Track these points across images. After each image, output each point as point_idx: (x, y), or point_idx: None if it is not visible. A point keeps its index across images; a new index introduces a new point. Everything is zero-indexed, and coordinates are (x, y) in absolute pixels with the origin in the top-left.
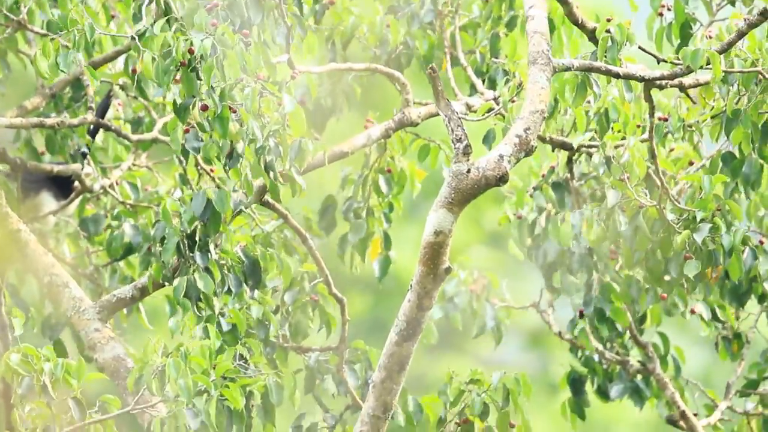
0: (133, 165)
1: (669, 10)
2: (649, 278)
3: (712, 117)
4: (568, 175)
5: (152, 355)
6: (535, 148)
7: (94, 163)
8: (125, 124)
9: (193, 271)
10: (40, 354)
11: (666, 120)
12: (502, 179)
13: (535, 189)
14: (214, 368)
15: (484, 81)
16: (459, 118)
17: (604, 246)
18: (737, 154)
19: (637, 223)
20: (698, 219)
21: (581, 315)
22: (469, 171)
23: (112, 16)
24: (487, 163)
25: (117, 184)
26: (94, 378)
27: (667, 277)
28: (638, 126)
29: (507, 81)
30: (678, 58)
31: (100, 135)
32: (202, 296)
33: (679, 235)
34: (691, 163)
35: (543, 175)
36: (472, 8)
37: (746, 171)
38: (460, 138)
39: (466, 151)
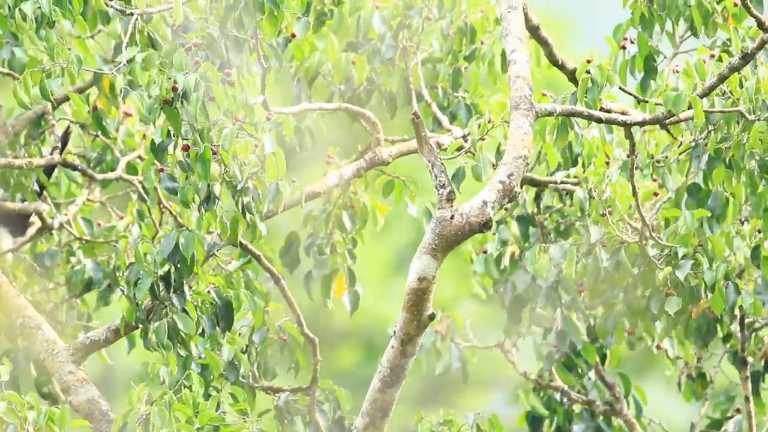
0: (87, 201)
1: (632, 42)
2: (626, 313)
3: (681, 153)
4: (535, 210)
5: (136, 402)
6: (519, 194)
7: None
8: (82, 161)
9: (170, 312)
10: (24, 401)
11: (633, 154)
12: (486, 225)
13: (499, 223)
14: (197, 416)
15: (450, 115)
16: (442, 164)
17: (570, 282)
18: (703, 187)
19: (619, 258)
20: (680, 255)
21: (556, 349)
22: (452, 217)
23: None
24: (470, 210)
25: (72, 220)
26: (78, 425)
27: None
28: (606, 162)
29: (477, 118)
30: (658, 101)
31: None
32: (180, 338)
33: (660, 270)
34: (655, 194)
35: (506, 209)
36: (432, 43)
37: (711, 204)
38: (444, 184)
39: (450, 197)
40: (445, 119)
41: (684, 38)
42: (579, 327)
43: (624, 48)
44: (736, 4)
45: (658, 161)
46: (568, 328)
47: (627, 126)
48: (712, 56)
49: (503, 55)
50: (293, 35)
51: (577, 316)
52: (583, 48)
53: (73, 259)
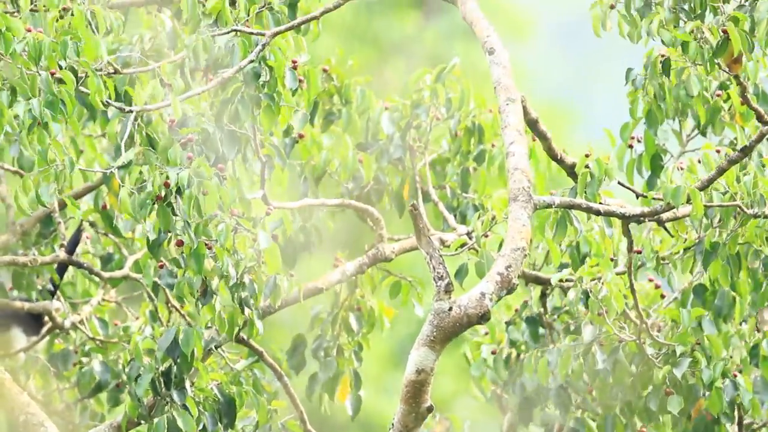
0: (103, 300)
1: (639, 141)
2: (626, 413)
3: (685, 249)
4: (542, 310)
5: None
6: (517, 285)
7: (63, 299)
8: (95, 260)
9: (171, 409)
10: None
11: (639, 252)
12: (483, 317)
13: (508, 324)
14: None
15: (455, 216)
16: (440, 256)
17: (580, 381)
18: (708, 287)
19: (617, 357)
20: (678, 353)
21: None
22: (450, 309)
23: (81, 151)
24: (468, 301)
25: (87, 320)
26: None
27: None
28: (612, 259)
29: (480, 215)
30: (657, 194)
31: (69, 270)
32: None
33: (659, 369)
34: (663, 296)
35: (516, 310)
36: (441, 143)
37: (718, 303)
38: (442, 276)
39: (448, 289)
40: (451, 218)
41: (691, 136)
42: (592, 426)
43: (631, 147)
44: (743, 103)
45: (663, 259)
46: (580, 428)
47: (625, 219)
48: (718, 152)
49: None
50: (301, 135)
51: (589, 416)
52: (584, 137)
53: (84, 360)
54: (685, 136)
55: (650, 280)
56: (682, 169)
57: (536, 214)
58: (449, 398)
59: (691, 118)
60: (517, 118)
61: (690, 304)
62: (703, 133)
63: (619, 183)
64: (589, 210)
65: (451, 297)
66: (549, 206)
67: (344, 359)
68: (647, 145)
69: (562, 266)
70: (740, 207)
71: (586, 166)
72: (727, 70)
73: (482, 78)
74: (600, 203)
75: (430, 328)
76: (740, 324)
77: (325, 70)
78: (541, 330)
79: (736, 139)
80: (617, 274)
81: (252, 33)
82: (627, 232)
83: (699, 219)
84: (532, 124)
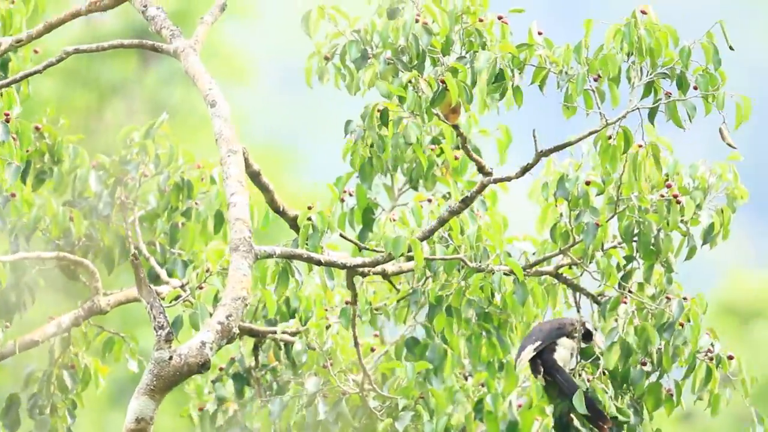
0: None
1: (351, 195)
2: None
3: (398, 300)
4: (252, 364)
5: None
6: (237, 334)
7: None
8: None
9: None
10: None
11: (353, 303)
12: (204, 366)
13: (214, 381)
14: None
15: (165, 271)
16: (161, 306)
17: None
18: (421, 340)
19: (339, 409)
20: (400, 407)
21: None
22: (171, 358)
23: None
24: (189, 350)
25: None
26: None
27: None
28: (325, 310)
29: (195, 267)
30: (378, 246)
31: None
32: None
33: (381, 422)
34: (372, 350)
35: (221, 369)
36: (149, 199)
37: (430, 356)
38: (163, 325)
39: (168, 338)
40: (163, 273)
41: (403, 190)
42: None
43: (342, 201)
44: (456, 158)
45: (377, 309)
46: None
47: (347, 269)
48: (429, 201)
49: (217, 215)
50: (13, 194)
51: None
52: (309, 188)
53: None
54: (397, 190)
55: (375, 335)
56: (394, 221)
57: (258, 265)
58: None
59: (401, 174)
60: (238, 169)
61: (404, 357)
62: (415, 187)
63: (341, 235)
64: (310, 260)
65: (171, 346)
66: (270, 256)
67: (58, 417)
68: (359, 199)
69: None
70: (463, 260)
71: (309, 219)
72: (445, 120)
73: (203, 121)
74: (321, 254)
75: (150, 377)
76: (465, 379)
77: (37, 128)
78: (247, 388)
79: (449, 193)
80: (327, 327)
81: None
82: (351, 285)
83: (421, 269)
84: (253, 176)
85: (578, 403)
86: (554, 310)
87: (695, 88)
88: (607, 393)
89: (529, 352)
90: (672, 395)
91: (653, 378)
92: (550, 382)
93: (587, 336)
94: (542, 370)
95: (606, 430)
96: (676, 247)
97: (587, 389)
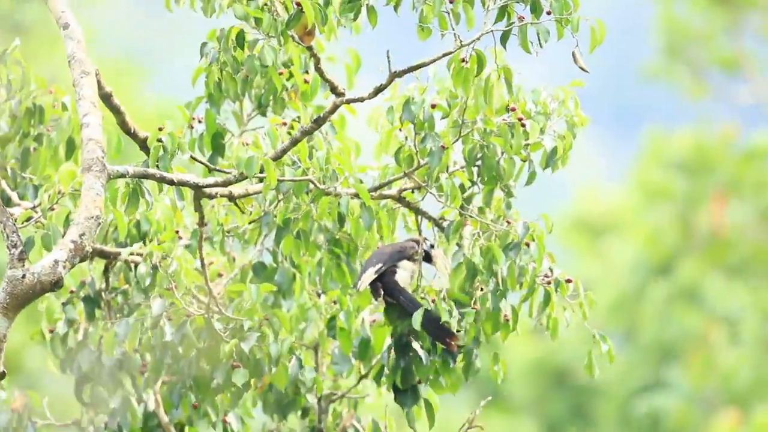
0: None
1: (200, 122)
2: (195, 387)
3: (251, 223)
4: (103, 286)
5: None
6: (90, 253)
7: None
8: None
9: None
10: None
11: (205, 225)
12: (56, 284)
13: (65, 304)
14: None
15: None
16: (14, 224)
17: (136, 359)
18: (268, 264)
19: (185, 331)
20: (246, 328)
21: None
22: (24, 276)
23: None
24: (42, 269)
25: None
26: None
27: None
28: (176, 232)
29: (46, 189)
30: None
31: None
32: None
33: (226, 343)
34: (220, 275)
35: (72, 291)
36: (0, 124)
37: (279, 280)
38: (16, 244)
39: (21, 257)
40: (14, 195)
41: (251, 116)
42: (136, 408)
43: (192, 127)
44: (306, 81)
45: (228, 232)
46: (125, 408)
47: (199, 189)
48: (284, 124)
49: (69, 142)
50: None
51: (137, 398)
52: (159, 95)
53: None
54: (246, 116)
55: (228, 253)
56: (247, 144)
57: (109, 185)
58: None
59: (249, 100)
60: (91, 91)
61: (249, 281)
62: (263, 113)
63: (192, 157)
64: (162, 180)
65: (24, 265)
66: (123, 176)
67: None
68: (208, 124)
69: (125, 243)
70: (313, 182)
71: (159, 140)
72: (300, 41)
73: (59, 39)
74: (173, 174)
75: (3, 296)
76: (318, 297)
77: None
78: (98, 310)
79: (298, 117)
80: (185, 247)
81: None
82: (198, 207)
83: (272, 189)
84: (105, 98)
85: (416, 321)
86: (395, 234)
87: (549, 13)
88: (452, 315)
89: (370, 275)
90: (508, 320)
91: (492, 304)
92: (393, 304)
93: (428, 259)
94: (383, 293)
95: (454, 346)
96: (516, 172)
97: (431, 310)
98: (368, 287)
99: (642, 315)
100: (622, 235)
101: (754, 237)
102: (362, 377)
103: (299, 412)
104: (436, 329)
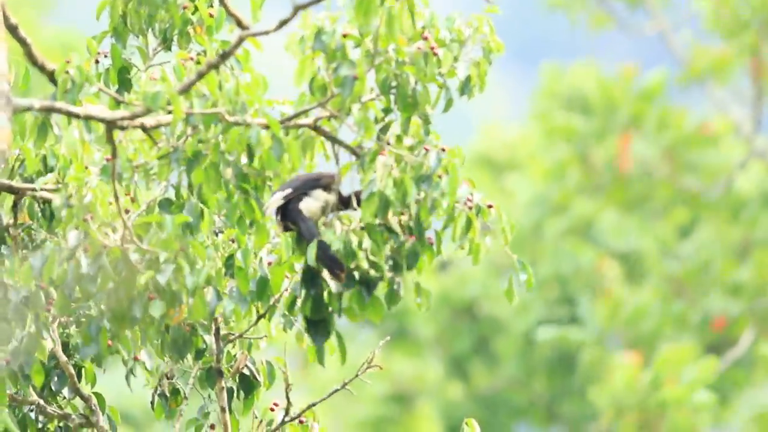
0: None
1: (106, 56)
2: (111, 319)
3: (160, 157)
4: (12, 220)
5: None
6: None
7: None
8: None
9: None
10: None
11: (115, 158)
12: None
13: None
14: None
15: None
16: None
17: (43, 295)
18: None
19: (101, 263)
20: (162, 260)
21: (7, 364)
22: None
23: None
24: None
25: None
26: None
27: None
28: (86, 167)
29: None
30: (138, 102)
31: None
32: None
33: (142, 275)
34: (127, 211)
35: None
36: None
37: (187, 214)
38: None
39: None
40: None
41: (157, 51)
42: (44, 345)
43: (97, 62)
44: (211, 15)
45: (137, 166)
46: (31, 346)
47: (107, 123)
48: (191, 59)
49: None
50: None
51: (45, 334)
52: (61, 28)
53: None
54: (152, 51)
55: (136, 184)
56: (154, 79)
57: (16, 120)
58: None
59: (153, 35)
60: None
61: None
62: (168, 48)
63: (100, 90)
64: (70, 114)
65: None
66: (29, 109)
67: None
68: (114, 59)
69: (32, 178)
70: (222, 114)
71: (67, 72)
72: None
73: None
74: (80, 108)
75: None
76: (216, 235)
77: None
78: (4, 246)
79: (204, 51)
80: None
81: None
82: (110, 139)
83: (181, 122)
84: (12, 30)
85: (310, 254)
86: (311, 162)
87: None
88: (362, 249)
89: (278, 199)
90: (432, 244)
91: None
92: (295, 231)
93: (346, 205)
94: (285, 219)
95: (342, 279)
96: (433, 99)
97: (338, 242)
98: (274, 211)
99: (540, 250)
100: (523, 172)
101: (658, 174)
102: (260, 317)
103: (194, 353)
104: (326, 259)
